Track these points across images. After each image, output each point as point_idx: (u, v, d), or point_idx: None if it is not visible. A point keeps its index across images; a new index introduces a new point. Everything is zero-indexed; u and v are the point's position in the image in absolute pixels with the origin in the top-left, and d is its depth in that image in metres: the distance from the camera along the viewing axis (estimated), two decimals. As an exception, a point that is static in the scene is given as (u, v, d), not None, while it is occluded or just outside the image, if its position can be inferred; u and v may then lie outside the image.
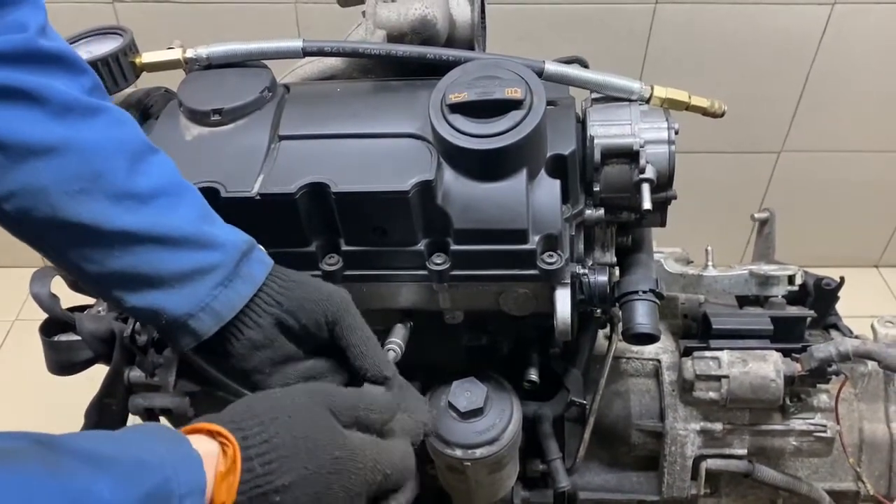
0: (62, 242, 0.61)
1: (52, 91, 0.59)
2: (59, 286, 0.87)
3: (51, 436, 0.45)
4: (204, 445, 0.50)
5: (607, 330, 0.98)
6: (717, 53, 1.64)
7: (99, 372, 0.90)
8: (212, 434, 0.51)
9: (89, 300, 0.94)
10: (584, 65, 0.89)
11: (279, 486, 0.51)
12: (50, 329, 0.89)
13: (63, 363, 0.88)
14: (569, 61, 0.88)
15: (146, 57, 0.85)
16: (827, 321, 1.06)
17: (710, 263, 1.03)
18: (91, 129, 0.60)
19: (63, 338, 0.88)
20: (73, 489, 0.42)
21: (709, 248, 1.04)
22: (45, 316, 0.88)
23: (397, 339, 0.77)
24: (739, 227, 1.83)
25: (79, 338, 0.87)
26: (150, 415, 0.89)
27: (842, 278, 1.04)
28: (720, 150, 1.81)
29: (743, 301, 1.03)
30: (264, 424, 0.52)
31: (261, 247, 0.68)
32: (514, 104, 0.73)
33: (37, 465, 0.42)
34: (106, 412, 0.88)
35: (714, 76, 1.64)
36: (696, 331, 1.00)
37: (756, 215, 1.14)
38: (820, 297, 1.03)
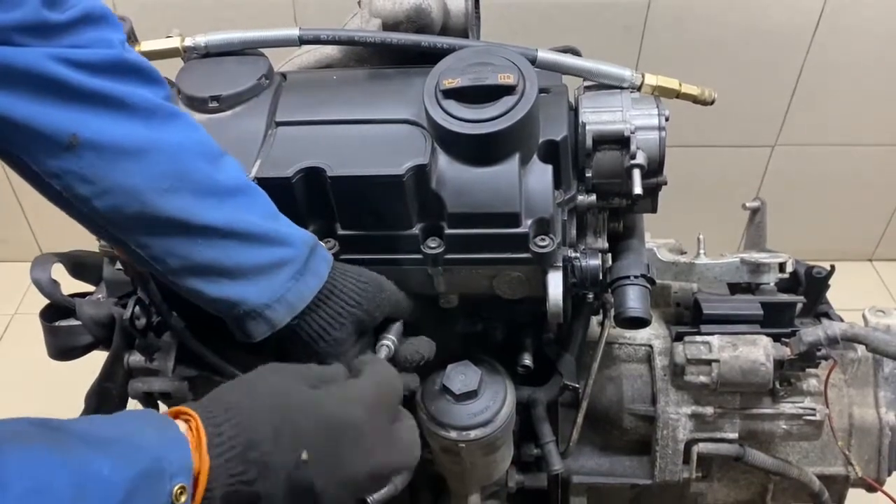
0: (148, 237, 0.66)
1: (138, 97, 0.64)
2: (59, 273, 0.89)
3: (52, 420, 0.47)
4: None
5: (600, 316, 0.99)
6: (711, 48, 1.65)
7: (99, 364, 0.91)
8: (175, 415, 0.53)
9: (89, 287, 0.96)
10: (577, 54, 0.90)
11: (253, 441, 0.52)
12: (50, 314, 0.90)
13: (63, 348, 0.90)
14: (562, 51, 0.89)
15: (145, 45, 0.87)
16: (818, 309, 1.07)
17: (701, 252, 1.04)
18: (174, 132, 0.66)
19: (63, 323, 0.90)
20: (76, 467, 0.44)
21: (700, 235, 1.05)
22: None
23: (391, 335, 0.78)
24: (734, 221, 1.84)
25: (79, 323, 0.88)
26: (149, 399, 0.90)
27: (832, 266, 1.05)
28: (714, 144, 1.82)
29: (734, 288, 1.04)
30: (223, 392, 0.55)
31: (321, 243, 0.74)
32: (506, 90, 0.74)
33: (41, 444, 0.44)
34: (106, 396, 0.89)
35: (708, 71, 1.65)
36: (688, 319, 1.02)
37: (747, 204, 1.15)
38: (811, 285, 1.04)
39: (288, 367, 0.61)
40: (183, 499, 0.48)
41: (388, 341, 0.77)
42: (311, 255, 0.70)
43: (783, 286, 1.04)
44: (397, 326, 0.79)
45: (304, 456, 0.53)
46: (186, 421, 0.52)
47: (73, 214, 0.66)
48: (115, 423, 0.51)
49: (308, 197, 0.76)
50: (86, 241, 0.92)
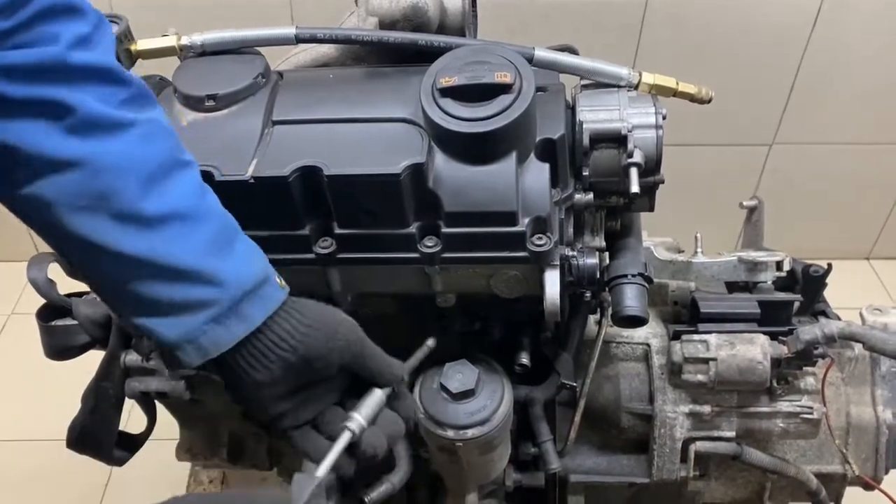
0: (68, 250, 0.62)
1: (77, 104, 0.57)
2: (56, 272, 0.89)
3: None
4: None
5: (598, 315, 0.99)
6: (708, 46, 1.65)
7: (96, 363, 0.91)
8: None
9: (86, 286, 0.95)
10: (575, 53, 0.90)
11: None
12: (47, 314, 0.90)
13: (59, 347, 0.90)
14: (559, 49, 0.89)
15: (141, 44, 0.87)
16: (815, 308, 1.07)
17: (699, 250, 1.04)
18: (110, 145, 0.59)
19: (59, 322, 0.90)
20: None
21: (698, 234, 1.05)
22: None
23: (360, 414, 0.66)
24: (732, 219, 1.84)
25: (75, 322, 0.88)
26: (145, 398, 0.90)
27: (829, 265, 1.05)
28: (712, 143, 1.83)
29: (732, 287, 1.04)
30: None
31: (276, 279, 0.66)
32: (503, 88, 0.74)
33: None
34: (102, 396, 0.89)
35: (705, 69, 1.65)
36: (685, 317, 1.02)
37: (744, 203, 1.15)
38: (808, 284, 1.04)
39: None
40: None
41: (355, 425, 0.65)
42: (245, 298, 0.62)
43: (781, 285, 1.04)
44: (373, 400, 0.67)
45: None
46: None
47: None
48: None
49: (305, 196, 0.76)
50: (82, 241, 0.92)
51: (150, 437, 0.99)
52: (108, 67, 0.60)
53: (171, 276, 0.60)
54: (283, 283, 0.66)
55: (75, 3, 0.59)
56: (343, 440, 0.64)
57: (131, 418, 0.97)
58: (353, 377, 0.68)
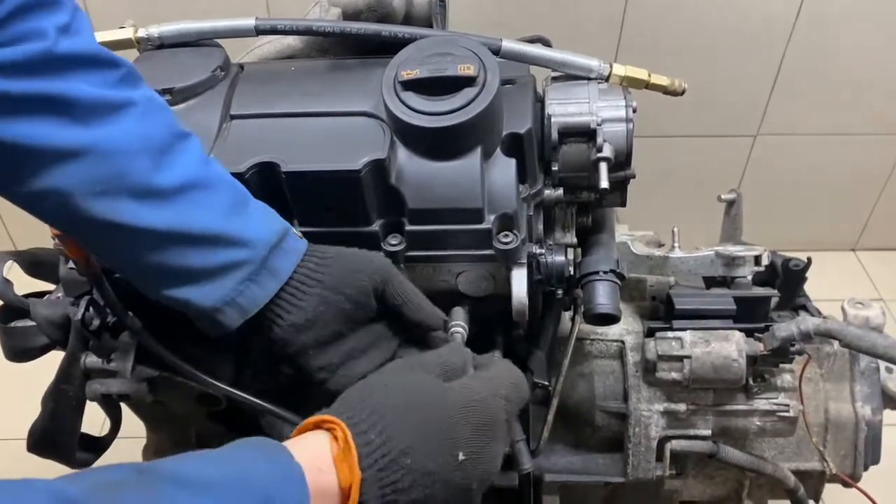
0: (94, 238, 0.64)
1: (75, 94, 0.58)
2: (14, 272, 0.87)
3: (152, 464, 0.45)
4: (313, 440, 0.51)
5: (571, 312, 0.97)
6: (691, 37, 1.63)
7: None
8: (318, 425, 0.52)
9: (46, 286, 0.93)
10: (547, 44, 0.88)
11: (405, 447, 0.50)
12: (5, 315, 0.87)
13: (18, 349, 0.87)
14: (531, 41, 0.87)
15: (98, 37, 0.83)
16: (796, 302, 1.06)
17: (676, 245, 1.02)
18: (115, 128, 0.60)
19: (19, 324, 0.87)
20: None
21: (675, 229, 1.03)
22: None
23: (459, 319, 0.74)
24: (717, 211, 1.83)
25: (34, 323, 0.86)
26: (107, 400, 0.88)
27: (809, 259, 1.03)
28: (696, 134, 1.81)
29: (710, 282, 1.03)
30: (365, 401, 0.53)
31: (294, 231, 0.69)
32: (466, 81, 0.72)
33: (138, 496, 0.42)
34: (63, 398, 0.87)
35: (689, 60, 1.63)
36: (662, 314, 1.00)
37: (723, 196, 1.13)
38: (788, 278, 1.03)
39: (412, 360, 0.59)
40: None
41: (459, 327, 0.72)
42: (272, 253, 0.65)
43: (761, 279, 1.03)
44: (458, 311, 0.75)
45: (462, 457, 0.52)
46: (330, 430, 0.51)
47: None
48: (223, 459, 0.48)
49: (263, 193, 0.73)
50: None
51: (130, 436, 0.98)
52: (96, 52, 0.61)
53: (200, 243, 0.62)
54: (300, 233, 0.69)
55: None
56: (456, 339, 0.70)
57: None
58: (403, 328, 0.70)
